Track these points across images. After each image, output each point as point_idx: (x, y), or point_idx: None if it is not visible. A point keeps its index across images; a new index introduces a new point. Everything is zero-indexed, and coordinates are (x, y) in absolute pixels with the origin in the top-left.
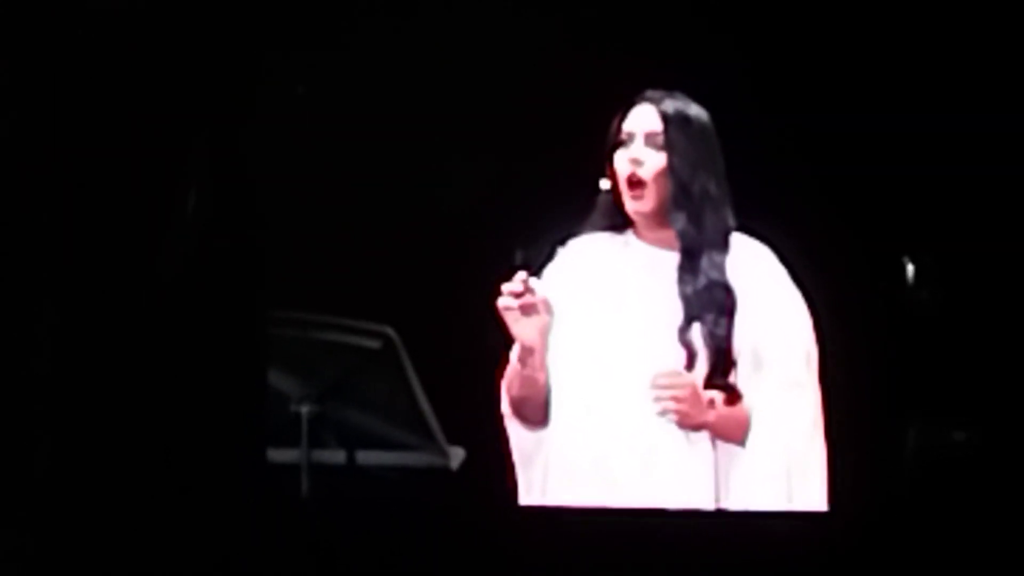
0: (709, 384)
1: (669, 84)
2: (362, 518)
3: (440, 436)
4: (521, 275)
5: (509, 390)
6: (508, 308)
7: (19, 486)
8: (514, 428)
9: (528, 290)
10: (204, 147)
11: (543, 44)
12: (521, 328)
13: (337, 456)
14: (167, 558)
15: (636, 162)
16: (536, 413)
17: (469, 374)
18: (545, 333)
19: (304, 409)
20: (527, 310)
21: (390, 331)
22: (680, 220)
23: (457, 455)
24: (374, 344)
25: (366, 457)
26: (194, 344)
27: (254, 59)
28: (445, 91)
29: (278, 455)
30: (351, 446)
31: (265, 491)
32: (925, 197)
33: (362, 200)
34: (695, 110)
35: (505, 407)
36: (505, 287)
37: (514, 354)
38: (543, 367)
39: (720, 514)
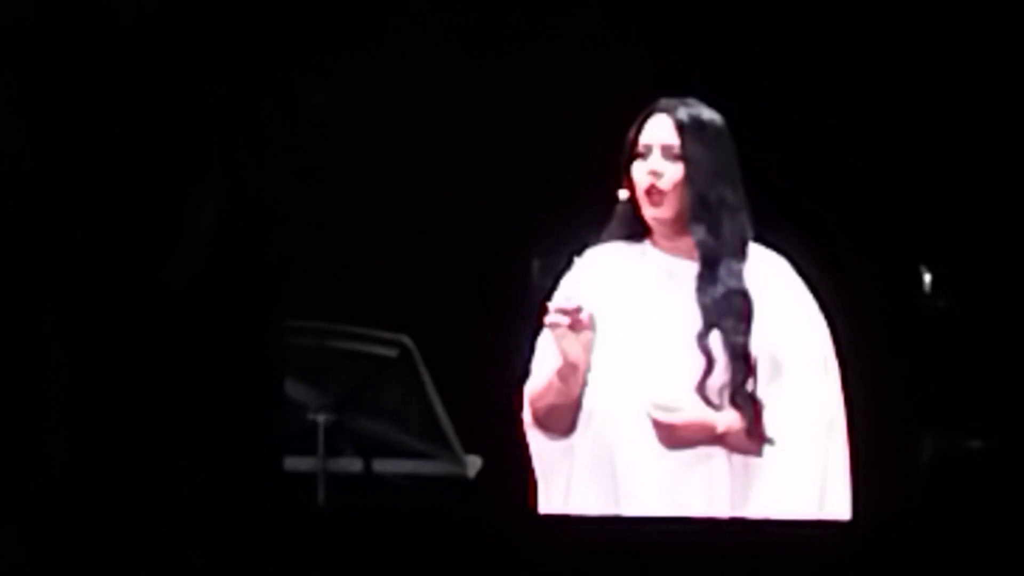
0: (732, 404)
1: (687, 90)
2: (379, 527)
3: (457, 445)
4: (569, 292)
5: (536, 401)
6: (556, 325)
7: (33, 491)
8: (536, 438)
9: (578, 309)
10: (220, 154)
11: (559, 52)
12: (568, 344)
13: (354, 465)
14: (183, 567)
15: (655, 174)
16: (563, 423)
17: (486, 383)
18: (590, 349)
19: (321, 418)
20: (575, 326)
21: (406, 340)
22: (700, 231)
23: (474, 464)
24: (390, 353)
25: (383, 466)
26: (211, 353)
27: (272, 66)
28: (462, 99)
29: (295, 464)
30: (368, 455)
31: (282, 500)
32: (943, 204)
33: (379, 208)
34: (708, 115)
35: (528, 417)
36: (553, 305)
37: (550, 369)
38: (583, 382)
39: (739, 523)
